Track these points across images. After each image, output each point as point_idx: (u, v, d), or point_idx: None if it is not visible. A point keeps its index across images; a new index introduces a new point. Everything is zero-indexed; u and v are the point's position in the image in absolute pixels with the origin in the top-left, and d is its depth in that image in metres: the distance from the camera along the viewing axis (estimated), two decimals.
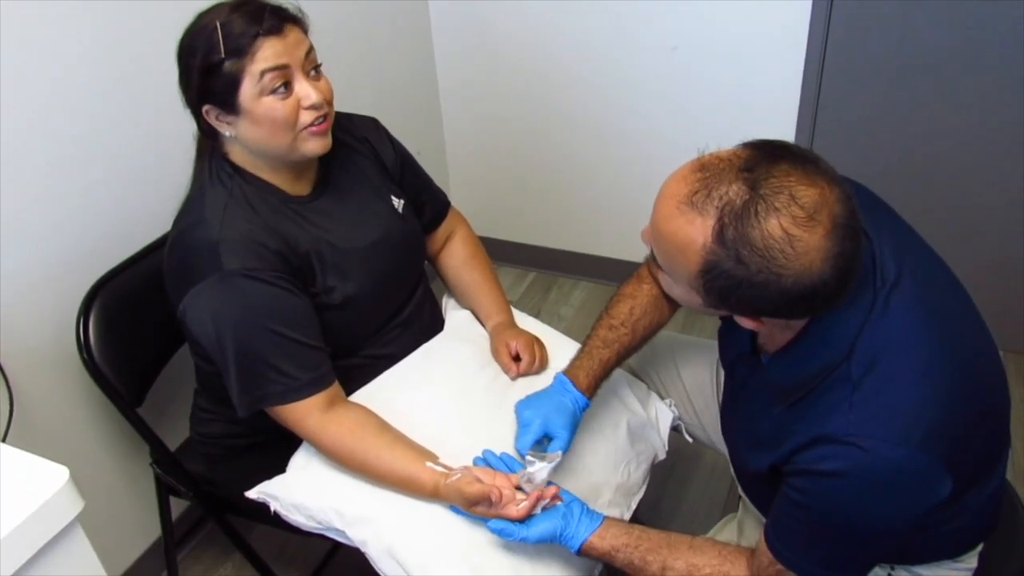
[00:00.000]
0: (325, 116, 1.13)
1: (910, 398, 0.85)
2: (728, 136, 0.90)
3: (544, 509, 1.07)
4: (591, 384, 1.20)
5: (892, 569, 1.06)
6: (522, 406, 1.18)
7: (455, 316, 1.45)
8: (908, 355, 0.87)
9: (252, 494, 1.19)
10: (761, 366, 1.02)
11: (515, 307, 1.48)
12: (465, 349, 1.35)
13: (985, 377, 0.95)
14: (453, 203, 1.52)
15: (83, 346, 1.28)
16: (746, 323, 0.90)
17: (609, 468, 1.24)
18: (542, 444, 1.15)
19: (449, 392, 1.27)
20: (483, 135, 2.52)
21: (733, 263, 0.80)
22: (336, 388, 1.17)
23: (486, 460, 1.14)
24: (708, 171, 0.81)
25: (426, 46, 2.38)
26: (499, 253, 2.59)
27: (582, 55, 2.22)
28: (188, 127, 1.20)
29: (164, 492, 1.51)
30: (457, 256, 1.48)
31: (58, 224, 1.39)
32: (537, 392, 1.20)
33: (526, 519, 1.05)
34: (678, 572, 1.03)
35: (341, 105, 1.23)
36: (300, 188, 1.23)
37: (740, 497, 1.24)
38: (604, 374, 1.22)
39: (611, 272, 2.48)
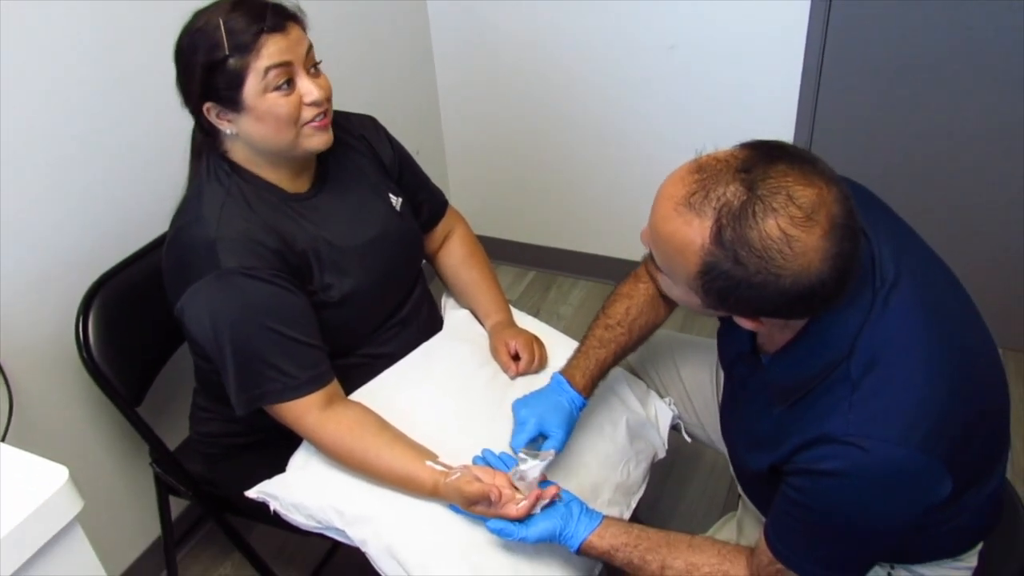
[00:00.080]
0: (325, 112, 1.14)
1: (910, 398, 0.85)
2: (727, 135, 0.90)
3: (544, 508, 1.07)
4: (588, 384, 1.20)
5: (892, 568, 1.06)
6: (518, 405, 1.19)
7: (454, 315, 1.45)
8: (907, 355, 0.87)
9: (252, 494, 1.19)
10: (760, 366, 1.02)
11: (514, 306, 1.48)
12: (464, 348, 1.35)
13: (985, 376, 0.95)
14: (452, 202, 1.52)
15: (82, 345, 1.28)
16: (745, 324, 0.90)
17: (608, 467, 1.24)
18: (537, 443, 1.15)
19: (448, 391, 1.27)
20: (482, 134, 2.51)
21: (731, 264, 0.80)
22: (335, 386, 1.17)
23: (485, 459, 1.14)
24: (705, 172, 0.81)
25: (425, 45, 2.38)
26: (498, 252, 2.60)
27: (581, 54, 2.22)
28: (187, 126, 1.21)
29: (163, 491, 1.51)
30: (455, 255, 1.48)
31: (57, 223, 1.39)
32: (534, 392, 1.20)
33: (525, 518, 1.05)
34: (677, 571, 1.03)
35: (340, 104, 1.23)
36: (299, 186, 1.23)
37: (739, 496, 1.24)
38: (601, 374, 1.22)
39: (610, 271, 2.48)
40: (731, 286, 0.81)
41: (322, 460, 1.18)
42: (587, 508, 1.08)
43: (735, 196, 0.79)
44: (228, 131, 1.13)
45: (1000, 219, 2.01)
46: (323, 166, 1.26)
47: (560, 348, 1.37)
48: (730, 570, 1.02)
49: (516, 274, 2.69)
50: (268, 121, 1.10)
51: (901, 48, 1.89)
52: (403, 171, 1.38)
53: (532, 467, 1.07)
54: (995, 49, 1.80)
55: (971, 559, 1.07)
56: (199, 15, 1.10)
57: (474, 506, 1.07)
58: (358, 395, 1.24)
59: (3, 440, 1.28)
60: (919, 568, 1.06)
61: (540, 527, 1.05)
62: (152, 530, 1.68)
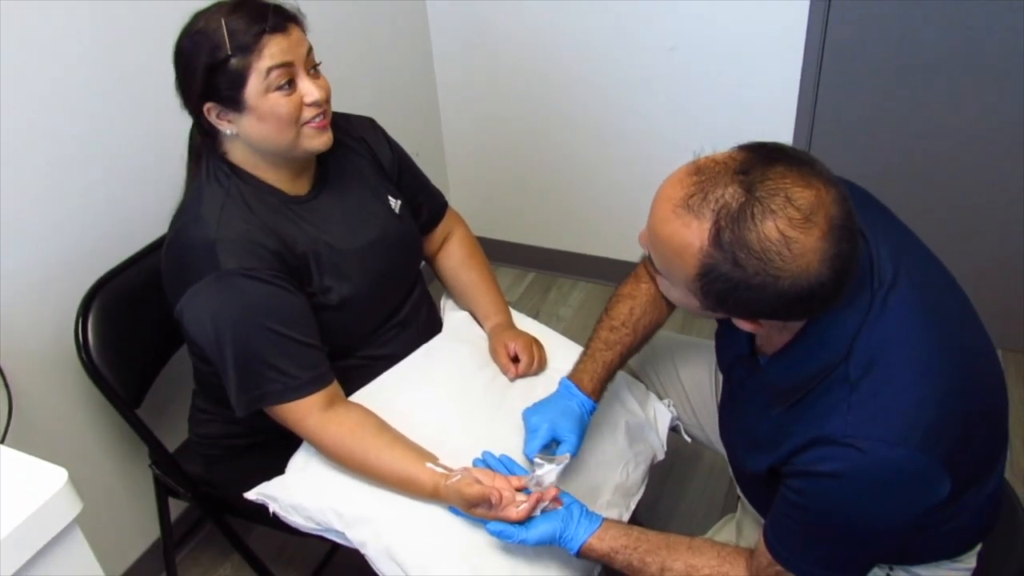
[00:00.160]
0: (324, 113, 1.15)
1: (908, 399, 0.85)
2: (727, 136, 0.90)
3: (544, 511, 1.07)
4: (596, 387, 1.20)
5: (891, 570, 1.06)
6: (529, 413, 1.19)
7: (453, 317, 1.45)
8: (906, 356, 0.87)
9: (251, 495, 1.19)
10: (759, 368, 1.02)
11: (514, 307, 1.48)
12: (464, 349, 1.35)
13: (983, 377, 0.95)
14: (452, 203, 1.52)
15: (82, 347, 1.28)
16: (744, 325, 0.90)
17: (608, 469, 1.24)
18: (550, 448, 1.15)
19: (448, 392, 1.27)
20: (482, 135, 2.51)
21: (730, 266, 0.80)
22: (335, 387, 1.17)
23: (485, 462, 1.14)
24: (704, 174, 0.81)
25: (424, 46, 2.38)
26: (498, 253, 2.59)
27: (581, 55, 2.22)
28: (187, 128, 1.21)
29: (163, 493, 1.50)
30: (455, 257, 1.48)
31: (57, 225, 1.39)
32: (544, 399, 1.20)
33: (526, 521, 1.05)
34: (677, 573, 1.03)
35: (340, 105, 1.24)
36: (298, 187, 1.23)
37: (739, 497, 1.24)
38: (608, 376, 1.22)
39: (610, 272, 2.48)
40: (730, 288, 0.81)
41: (322, 462, 1.18)
42: (587, 510, 1.08)
43: (733, 198, 0.79)
44: (228, 132, 1.13)
45: (999, 219, 2.01)
46: (322, 168, 1.26)
47: (560, 350, 1.37)
48: (730, 572, 1.02)
49: (516, 275, 2.69)
50: (269, 121, 1.10)
51: (900, 49, 1.90)
52: (402, 173, 1.38)
53: (549, 471, 1.07)
54: (994, 49, 1.81)
55: (970, 560, 1.07)
56: (198, 17, 1.10)
57: (474, 508, 1.07)
58: (358, 396, 1.24)
59: (2, 442, 1.28)
60: (918, 569, 1.06)
61: (540, 529, 1.05)
62: (151, 532, 1.67)
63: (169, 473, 1.42)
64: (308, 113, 1.13)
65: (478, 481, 1.06)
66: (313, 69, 1.14)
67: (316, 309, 1.18)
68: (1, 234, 1.30)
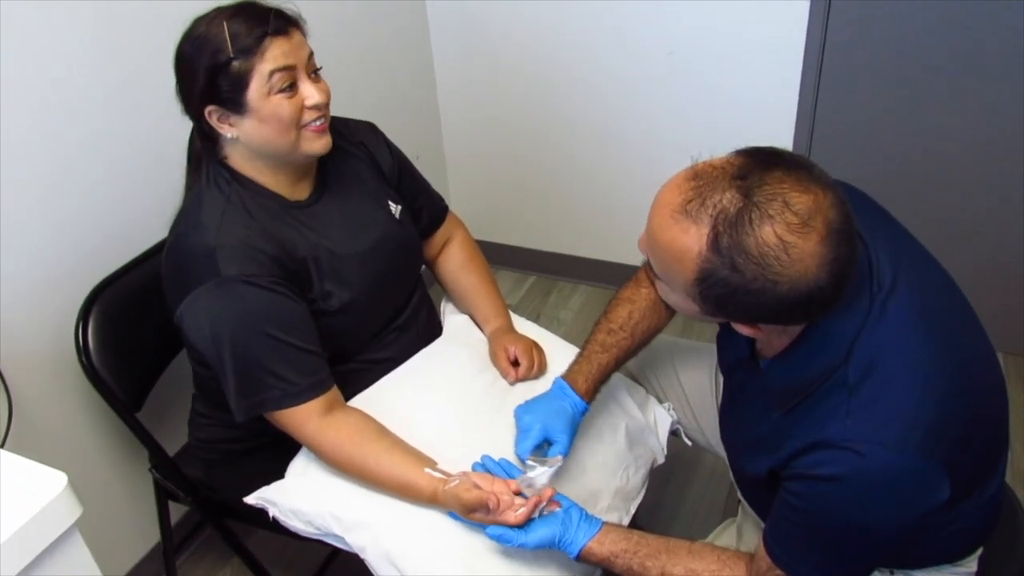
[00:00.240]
0: (324, 117, 1.15)
1: (907, 402, 0.85)
2: (727, 140, 0.90)
3: (542, 514, 1.07)
4: (590, 388, 1.20)
5: (891, 573, 1.06)
6: (521, 411, 1.19)
7: (453, 320, 1.45)
8: (905, 359, 0.87)
9: (250, 500, 1.19)
10: (759, 371, 1.02)
11: (514, 311, 1.48)
12: (463, 353, 1.35)
13: (983, 380, 0.95)
14: (452, 206, 1.52)
15: (82, 351, 1.28)
16: (743, 330, 0.90)
17: (608, 473, 1.24)
18: (542, 449, 1.15)
19: (448, 396, 1.27)
20: (482, 138, 2.52)
21: (728, 271, 0.80)
22: (334, 393, 1.17)
23: (484, 466, 1.14)
24: (701, 179, 0.81)
25: (425, 49, 2.38)
26: (498, 257, 2.60)
27: (581, 58, 2.22)
28: (188, 132, 1.21)
29: (163, 497, 1.50)
30: (455, 260, 1.49)
31: (58, 228, 1.40)
32: (536, 397, 1.20)
33: (525, 525, 1.05)
34: None
35: (340, 109, 1.24)
36: (298, 193, 1.23)
37: (739, 501, 1.23)
38: (603, 378, 1.22)
39: (611, 276, 2.48)
40: (728, 293, 0.81)
41: (321, 466, 1.18)
42: (586, 514, 1.08)
43: (731, 203, 0.79)
44: (229, 135, 1.14)
45: (999, 221, 2.01)
46: (322, 173, 1.27)
47: (560, 353, 1.37)
48: None
49: (516, 279, 2.69)
50: (271, 123, 1.11)
51: (899, 52, 1.90)
52: (402, 177, 1.39)
53: (541, 474, 1.07)
54: (995, 50, 1.81)
55: (971, 563, 1.06)
56: (199, 22, 1.10)
57: (473, 513, 1.07)
58: (358, 400, 1.24)
59: (2, 446, 1.28)
60: (918, 573, 1.06)
61: (539, 533, 1.05)
62: (151, 536, 1.67)
63: (169, 477, 1.42)
64: (308, 116, 1.13)
65: (476, 486, 1.06)
66: (314, 73, 1.15)
67: (316, 314, 1.18)
68: (2, 237, 1.30)
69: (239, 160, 1.18)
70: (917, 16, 1.84)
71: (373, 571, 1.11)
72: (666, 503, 1.87)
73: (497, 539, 1.05)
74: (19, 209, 1.32)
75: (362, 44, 2.12)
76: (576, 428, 1.17)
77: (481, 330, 1.43)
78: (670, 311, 1.24)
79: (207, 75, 1.08)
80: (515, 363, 1.33)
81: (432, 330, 1.41)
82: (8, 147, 1.28)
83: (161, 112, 1.20)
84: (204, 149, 1.19)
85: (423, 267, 1.46)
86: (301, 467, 1.21)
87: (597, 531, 1.06)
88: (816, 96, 2.03)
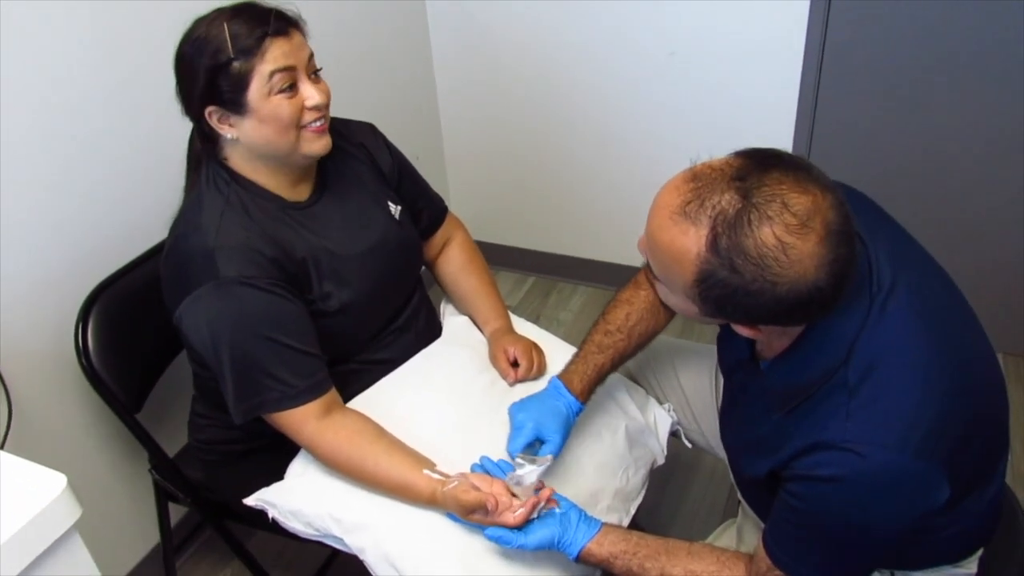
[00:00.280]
0: (324, 117, 1.16)
1: (907, 403, 0.85)
2: (727, 140, 0.90)
3: (541, 514, 1.07)
4: (585, 389, 1.20)
5: (891, 574, 1.06)
6: (515, 409, 1.19)
7: (453, 322, 1.45)
8: (905, 360, 0.87)
9: (250, 501, 1.19)
10: (759, 372, 1.02)
11: (514, 312, 1.48)
12: (463, 354, 1.35)
13: (983, 380, 0.95)
14: (451, 207, 1.52)
15: (82, 352, 1.28)
16: (743, 331, 0.90)
17: (608, 474, 1.24)
18: (534, 447, 1.15)
19: (448, 397, 1.27)
20: (482, 139, 2.52)
21: (728, 272, 0.80)
22: (333, 395, 1.17)
23: (483, 467, 1.14)
24: (700, 181, 0.82)
25: (424, 50, 2.38)
26: (498, 257, 2.59)
27: (581, 59, 2.22)
28: (188, 132, 1.21)
29: (163, 498, 1.50)
30: (454, 262, 1.49)
31: (58, 229, 1.40)
32: (531, 396, 1.21)
33: (524, 526, 1.05)
34: None
35: (339, 110, 1.24)
36: (298, 194, 1.23)
37: (739, 502, 1.23)
38: (599, 379, 1.22)
39: (611, 277, 2.48)
40: (728, 294, 0.81)
41: (320, 468, 1.18)
42: (586, 515, 1.08)
43: (730, 204, 0.79)
44: (229, 136, 1.14)
45: (1000, 222, 2.01)
46: (322, 174, 1.27)
47: (559, 354, 1.37)
48: None
49: (516, 280, 2.69)
50: (271, 123, 1.11)
51: (899, 52, 1.90)
52: (402, 178, 1.39)
53: (529, 472, 1.07)
54: (994, 50, 1.81)
55: (971, 565, 1.06)
56: (199, 23, 1.11)
57: (472, 514, 1.07)
58: (357, 401, 1.24)
59: (2, 447, 1.28)
60: (918, 573, 1.06)
61: (538, 535, 1.05)
62: (151, 537, 1.67)
63: (169, 478, 1.42)
64: (308, 117, 1.13)
65: (475, 487, 1.06)
66: (314, 74, 1.15)
67: (316, 315, 1.18)
68: (1, 238, 1.30)
69: (239, 161, 1.18)
70: (917, 16, 1.84)
71: (372, 572, 1.11)
72: (666, 504, 1.87)
73: (496, 540, 1.05)
74: (19, 209, 1.32)
75: (362, 44, 2.12)
76: (570, 428, 1.17)
77: (481, 331, 1.43)
78: (668, 314, 1.24)
79: (207, 76, 1.08)
80: (515, 364, 1.33)
81: (431, 331, 1.41)
82: (8, 147, 1.28)
83: (161, 113, 1.20)
84: (204, 150, 1.19)
85: (423, 268, 1.46)
86: (300, 468, 1.21)
87: (596, 532, 1.06)
88: (816, 97, 2.03)
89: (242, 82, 1.08)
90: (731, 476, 1.18)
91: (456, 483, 1.07)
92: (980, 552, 1.06)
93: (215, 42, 1.07)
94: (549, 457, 1.11)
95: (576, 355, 1.24)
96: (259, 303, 1.10)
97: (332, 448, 1.14)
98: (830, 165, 0.83)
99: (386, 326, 1.32)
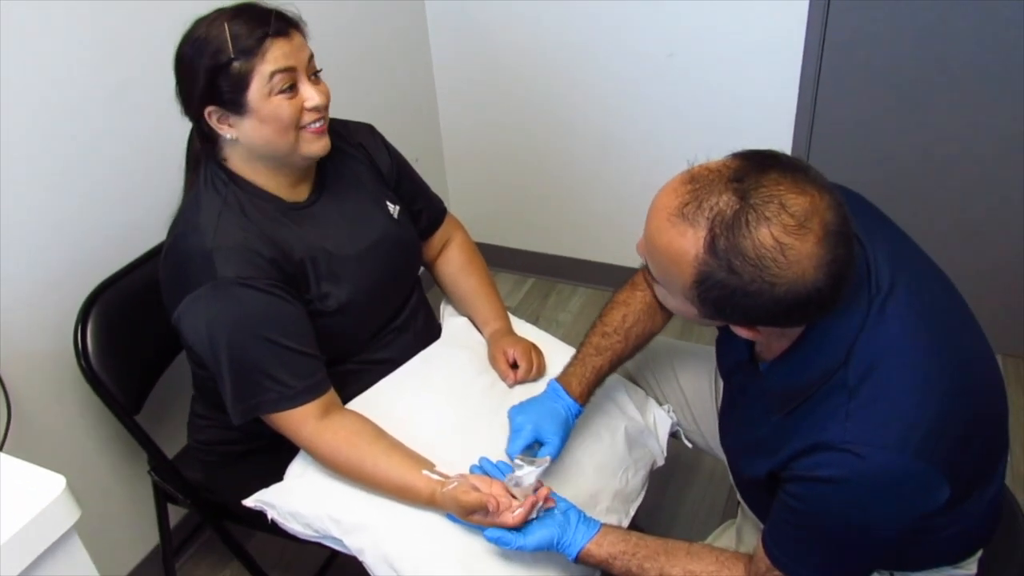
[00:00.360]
0: (323, 119, 1.16)
1: (906, 404, 0.85)
2: (726, 141, 0.90)
3: (539, 514, 1.07)
4: (584, 391, 1.20)
5: (891, 574, 1.06)
6: (514, 411, 1.19)
7: (453, 323, 1.45)
8: (904, 361, 0.87)
9: (249, 502, 1.19)
10: (759, 374, 1.02)
11: (513, 313, 1.48)
12: (463, 355, 1.36)
13: (982, 381, 0.95)
14: (451, 209, 1.52)
15: (81, 353, 1.28)
16: (742, 332, 0.90)
17: (607, 475, 1.24)
18: (532, 449, 1.15)
19: (447, 398, 1.27)
20: (481, 140, 2.52)
21: (726, 273, 0.80)
22: (332, 395, 1.17)
23: (482, 468, 1.14)
24: (698, 183, 0.82)
25: (424, 52, 2.38)
26: (497, 259, 2.60)
27: (580, 60, 2.22)
28: (188, 133, 1.21)
29: (162, 499, 1.50)
30: (454, 263, 1.49)
31: (57, 230, 1.40)
32: (530, 399, 1.21)
33: (523, 527, 1.05)
34: None
35: (339, 111, 1.24)
36: (297, 194, 1.23)
37: (739, 503, 1.23)
38: (597, 381, 1.22)
39: (610, 278, 2.48)
40: (726, 295, 0.81)
41: (320, 469, 1.18)
42: (585, 516, 1.08)
43: (728, 206, 0.79)
44: (228, 136, 1.14)
45: (999, 223, 2.02)
46: (321, 175, 1.27)
47: (559, 356, 1.37)
48: None
49: (515, 281, 2.70)
50: (271, 123, 1.11)
51: (898, 52, 1.90)
52: (401, 179, 1.39)
53: (528, 473, 1.07)
54: (994, 51, 1.81)
55: (970, 566, 1.06)
56: (199, 23, 1.11)
57: (471, 515, 1.07)
58: (357, 402, 1.24)
59: (1, 448, 1.28)
60: (918, 574, 1.06)
61: (538, 535, 1.05)
62: (150, 538, 1.67)
63: (168, 479, 1.42)
64: (308, 118, 1.14)
65: (475, 488, 1.06)
66: (314, 75, 1.15)
67: (314, 315, 1.18)
68: (1, 239, 1.30)
69: (238, 162, 1.18)
70: (916, 16, 1.84)
71: (371, 573, 1.11)
72: (666, 505, 1.87)
73: (495, 542, 1.05)
74: (19, 210, 1.32)
75: (361, 45, 2.12)
76: (569, 431, 1.18)
77: (480, 332, 1.43)
78: (666, 315, 1.24)
79: (207, 75, 1.08)
80: (514, 366, 1.33)
81: (430, 331, 1.41)
82: (8, 148, 1.28)
83: (161, 114, 1.20)
84: (203, 150, 1.19)
85: (422, 269, 1.46)
86: (300, 469, 1.21)
87: (595, 533, 1.06)
88: (815, 98, 2.03)
89: (242, 82, 1.08)
90: (730, 477, 1.18)
91: (456, 484, 1.07)
92: (980, 553, 1.06)
93: (215, 42, 1.07)
94: (547, 459, 1.11)
95: (574, 358, 1.24)
96: (257, 304, 1.10)
97: (331, 449, 1.14)
98: (829, 165, 0.83)
99: (385, 326, 1.32)
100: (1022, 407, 2.01)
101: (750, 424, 1.03)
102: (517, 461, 1.10)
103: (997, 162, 1.94)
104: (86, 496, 0.79)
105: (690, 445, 1.40)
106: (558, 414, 1.16)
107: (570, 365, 1.23)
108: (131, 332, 1.35)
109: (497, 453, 1.16)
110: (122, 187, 1.50)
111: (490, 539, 1.05)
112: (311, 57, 1.14)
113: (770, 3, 1.94)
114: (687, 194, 0.82)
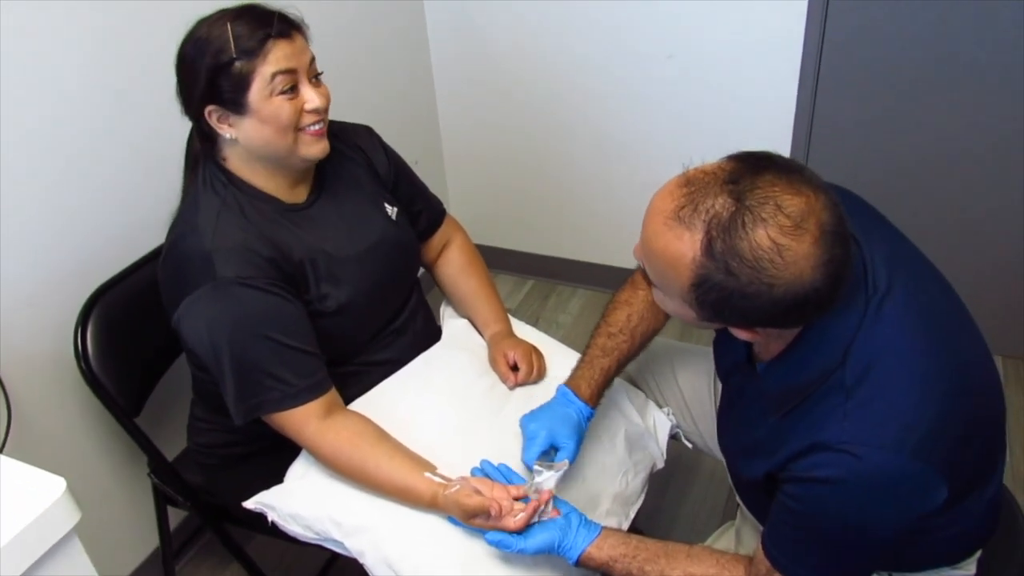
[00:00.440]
0: (322, 121, 1.16)
1: (903, 404, 0.85)
2: (726, 142, 0.90)
3: (541, 518, 1.07)
4: (593, 393, 1.20)
5: (890, 575, 1.06)
6: (527, 420, 1.19)
7: (453, 324, 1.45)
8: (901, 362, 0.87)
9: (249, 504, 1.19)
10: (756, 375, 1.02)
11: (513, 315, 1.48)
12: (463, 357, 1.36)
13: (979, 382, 0.95)
14: (451, 210, 1.52)
15: (81, 356, 1.28)
16: (741, 334, 0.90)
17: (607, 477, 1.24)
18: (548, 455, 1.15)
19: (448, 400, 1.27)
20: (481, 143, 2.52)
21: (723, 275, 0.80)
22: (333, 395, 1.18)
23: (484, 470, 1.14)
24: (693, 185, 0.82)
25: (423, 54, 2.38)
26: (497, 261, 2.60)
27: (579, 62, 2.23)
28: (187, 136, 1.21)
29: (162, 502, 1.50)
30: (454, 264, 1.49)
31: (57, 233, 1.40)
32: (541, 405, 1.21)
33: (524, 530, 1.05)
34: None
35: (338, 113, 1.24)
36: (295, 196, 1.23)
37: (738, 505, 1.23)
38: (606, 382, 1.22)
39: (609, 279, 2.48)
40: (724, 297, 0.82)
41: (320, 471, 1.18)
42: (585, 519, 1.08)
43: (724, 208, 0.79)
44: (228, 136, 1.14)
45: (997, 224, 2.01)
46: (320, 176, 1.27)
47: (559, 358, 1.37)
48: None
49: (515, 283, 2.70)
50: (271, 124, 1.11)
51: (897, 52, 1.90)
52: (399, 180, 1.39)
53: (548, 478, 1.08)
54: (993, 51, 1.81)
55: (970, 566, 1.07)
56: (201, 24, 1.11)
57: (473, 519, 1.07)
58: (358, 404, 1.24)
59: (1, 450, 1.28)
60: (917, 575, 1.06)
61: (538, 539, 1.05)
62: (150, 541, 1.67)
63: (168, 482, 1.42)
64: (307, 120, 1.14)
65: (477, 491, 1.06)
66: (315, 78, 1.16)
67: (313, 316, 1.19)
68: (1, 240, 1.30)
69: (237, 162, 1.18)
70: (916, 16, 1.84)
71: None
72: (666, 507, 1.87)
73: (496, 545, 1.05)
74: (19, 212, 1.32)
75: (360, 47, 2.12)
76: (583, 434, 1.18)
77: (480, 334, 1.43)
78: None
79: (208, 75, 1.09)
80: (514, 368, 1.33)
81: (429, 333, 1.41)
82: (8, 149, 1.28)
83: (162, 115, 1.21)
84: (203, 150, 1.19)
85: (421, 270, 1.46)
86: (300, 471, 1.21)
87: (596, 536, 1.06)
88: (814, 99, 2.04)
89: (243, 82, 1.08)
90: (729, 479, 1.18)
91: (458, 487, 1.07)
92: (979, 554, 1.06)
93: (217, 42, 1.08)
94: (565, 462, 1.11)
95: (581, 360, 1.24)
96: (258, 303, 1.11)
97: (333, 449, 1.14)
98: (829, 165, 0.83)
99: (384, 327, 1.32)
100: (1021, 407, 2.01)
101: (748, 425, 1.03)
102: (536, 467, 1.10)
103: (997, 161, 1.94)
104: (86, 498, 0.79)
105: (690, 445, 1.40)
106: (570, 418, 1.16)
107: (577, 368, 1.23)
108: (131, 334, 1.35)
109: (497, 455, 1.16)
110: (123, 189, 1.50)
111: (491, 542, 1.05)
112: (312, 59, 1.15)
113: (769, 3, 1.94)
114: (683, 197, 0.82)
